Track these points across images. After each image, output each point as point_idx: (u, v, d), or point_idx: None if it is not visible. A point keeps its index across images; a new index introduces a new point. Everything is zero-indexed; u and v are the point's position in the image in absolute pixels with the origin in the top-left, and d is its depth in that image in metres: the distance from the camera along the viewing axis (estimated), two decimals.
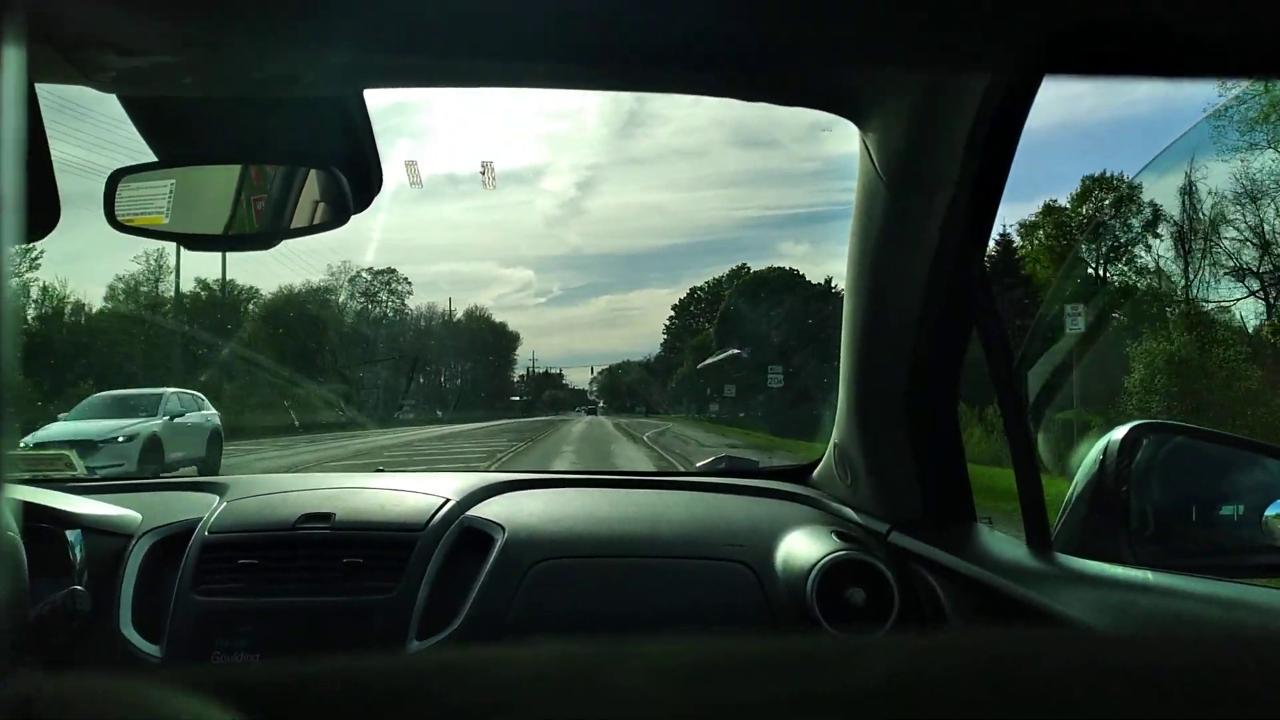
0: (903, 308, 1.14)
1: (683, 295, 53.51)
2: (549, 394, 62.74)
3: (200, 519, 1.38)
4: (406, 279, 46.93)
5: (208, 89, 0.76)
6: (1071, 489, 1.07)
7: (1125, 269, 18.57)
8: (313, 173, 0.88)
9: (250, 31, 0.57)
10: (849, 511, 1.43)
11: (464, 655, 0.27)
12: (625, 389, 59.17)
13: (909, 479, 1.27)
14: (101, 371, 23.08)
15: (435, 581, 1.30)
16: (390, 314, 46.37)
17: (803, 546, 1.28)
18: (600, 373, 66.41)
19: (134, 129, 0.86)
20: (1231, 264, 15.74)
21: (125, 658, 1.25)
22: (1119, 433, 1.04)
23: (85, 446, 8.80)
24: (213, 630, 1.25)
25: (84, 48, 0.64)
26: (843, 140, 1.10)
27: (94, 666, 1.24)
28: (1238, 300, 15.61)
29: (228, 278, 34.06)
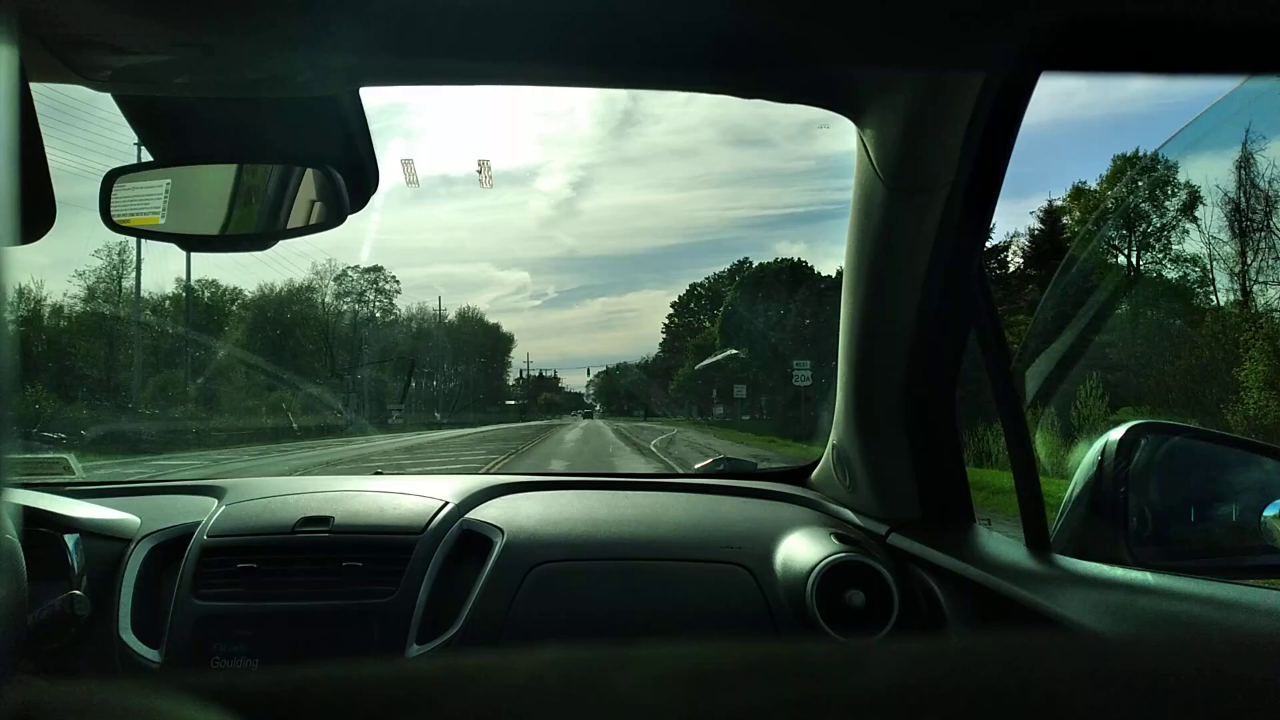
0: (901, 306, 1.14)
1: (681, 293, 52.86)
2: (544, 397, 62.68)
3: (199, 523, 1.38)
4: (394, 277, 45.19)
5: (203, 88, 0.75)
6: (1070, 490, 1.07)
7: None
8: (309, 172, 0.87)
9: (245, 31, 0.57)
10: (848, 513, 1.43)
11: (464, 661, 0.26)
12: (623, 391, 58.92)
13: (908, 480, 1.27)
14: (58, 375, 22.19)
15: (435, 585, 1.29)
16: (378, 314, 44.23)
17: (802, 548, 1.27)
18: (597, 375, 66.43)
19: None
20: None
21: (124, 663, 1.24)
22: (1117, 433, 1.04)
23: None
24: (212, 635, 1.24)
25: (79, 47, 0.64)
26: (837, 138, 1.10)
27: (93, 672, 1.24)
28: None
29: (208, 276, 32.96)
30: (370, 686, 0.25)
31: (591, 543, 1.35)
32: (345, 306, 41.27)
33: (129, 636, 1.26)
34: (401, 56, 0.64)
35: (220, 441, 18.89)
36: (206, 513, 1.41)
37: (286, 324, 34.23)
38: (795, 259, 36.71)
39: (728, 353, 33.88)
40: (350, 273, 41.71)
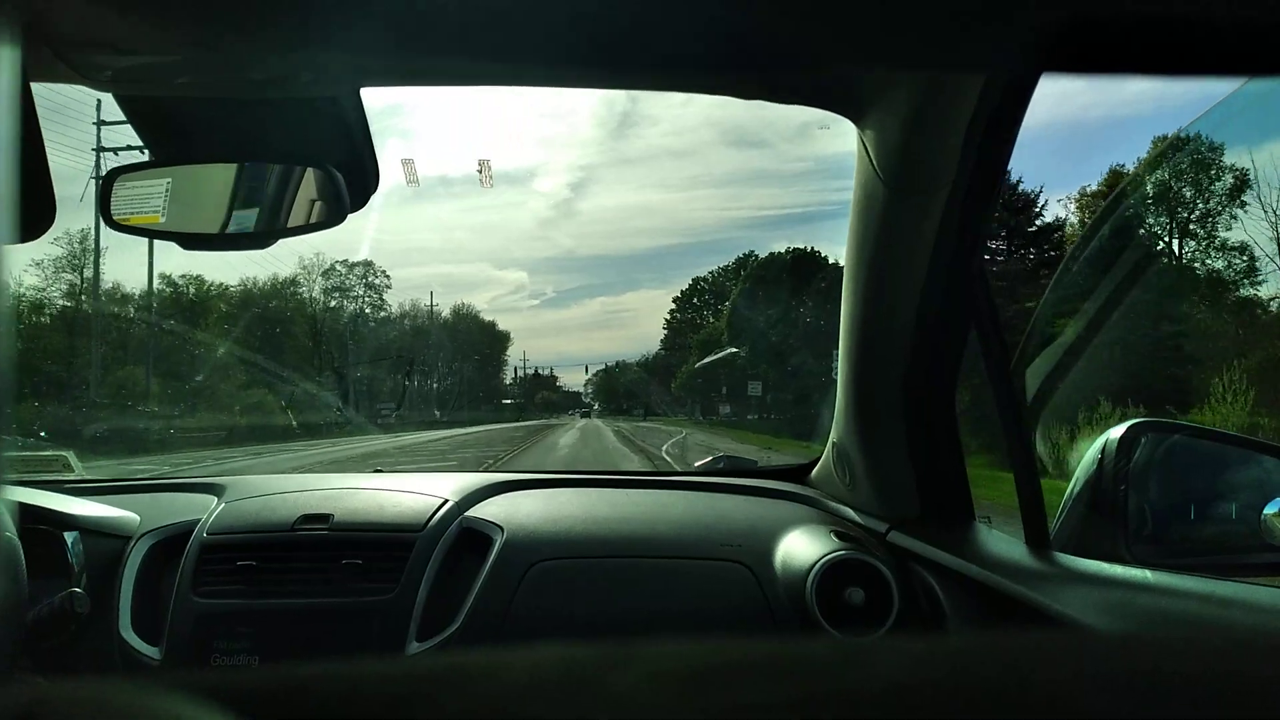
0: (901, 306, 1.14)
1: (680, 291, 51.75)
2: (542, 396, 62.51)
3: (198, 520, 1.38)
4: (385, 271, 43.51)
5: (204, 88, 0.75)
6: (1070, 487, 1.07)
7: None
8: (309, 171, 0.87)
9: (246, 30, 0.57)
10: (848, 511, 1.43)
11: (464, 659, 0.26)
12: (622, 390, 58.43)
13: (907, 478, 1.27)
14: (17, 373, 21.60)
15: (434, 582, 1.30)
16: (368, 310, 42.41)
17: (801, 546, 1.28)
18: (595, 373, 66.16)
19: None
20: None
21: (124, 660, 1.24)
22: (1117, 431, 1.04)
23: None
24: (212, 632, 1.24)
25: (80, 47, 0.64)
26: (836, 139, 1.10)
27: (93, 669, 1.24)
28: None
29: (191, 269, 31.22)
30: (370, 684, 0.25)
31: (591, 540, 1.36)
32: (334, 302, 40.05)
33: (129, 634, 1.27)
34: (403, 57, 0.64)
35: (181, 444, 17.54)
36: (206, 510, 1.41)
37: (270, 319, 33.06)
38: (809, 248, 34.66)
39: (729, 350, 33.22)
40: (339, 267, 40.30)
